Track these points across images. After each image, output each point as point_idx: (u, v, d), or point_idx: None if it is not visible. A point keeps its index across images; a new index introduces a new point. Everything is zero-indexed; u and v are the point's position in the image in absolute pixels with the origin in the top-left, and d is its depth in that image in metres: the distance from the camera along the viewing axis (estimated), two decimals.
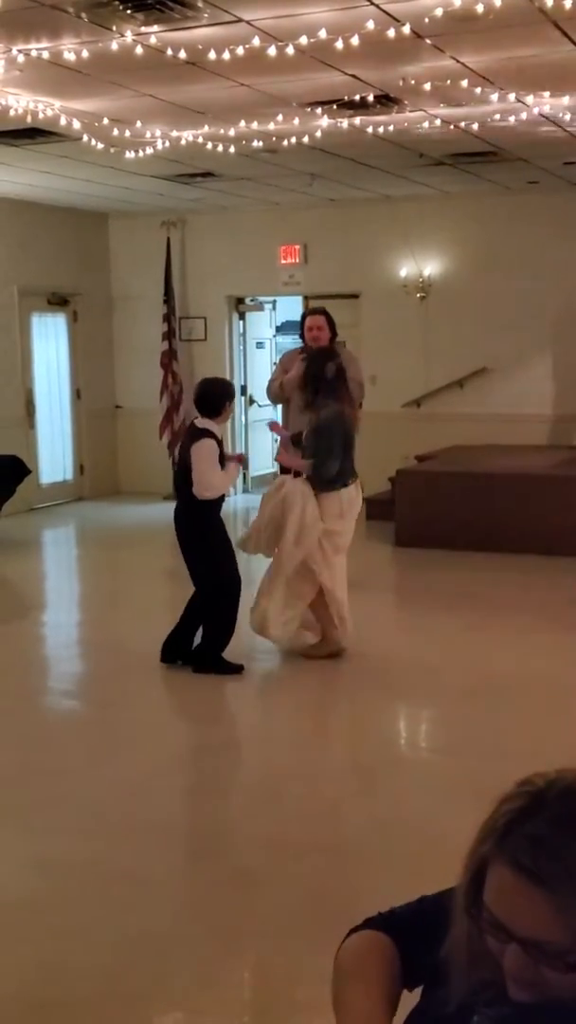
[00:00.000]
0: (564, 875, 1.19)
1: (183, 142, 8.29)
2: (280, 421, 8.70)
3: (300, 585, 6.41)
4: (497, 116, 7.56)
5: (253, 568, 7.05)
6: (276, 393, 8.30)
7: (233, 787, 5.01)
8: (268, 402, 13.51)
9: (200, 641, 6.41)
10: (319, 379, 6.42)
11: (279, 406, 9.38)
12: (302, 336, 8.21)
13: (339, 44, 5.62)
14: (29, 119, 7.33)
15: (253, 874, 4.06)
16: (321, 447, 6.31)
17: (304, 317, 8.39)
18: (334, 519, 6.40)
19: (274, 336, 14.06)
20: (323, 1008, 3.18)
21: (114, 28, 5.51)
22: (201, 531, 6.28)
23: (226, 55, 5.84)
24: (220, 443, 6.24)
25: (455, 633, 6.98)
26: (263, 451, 13.53)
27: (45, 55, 5.95)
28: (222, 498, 6.35)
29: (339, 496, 6.42)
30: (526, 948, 1.21)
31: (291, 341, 15.20)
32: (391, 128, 7.94)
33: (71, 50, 5.83)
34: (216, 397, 6.26)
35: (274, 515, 6.35)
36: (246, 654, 6.59)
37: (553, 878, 1.19)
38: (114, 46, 5.72)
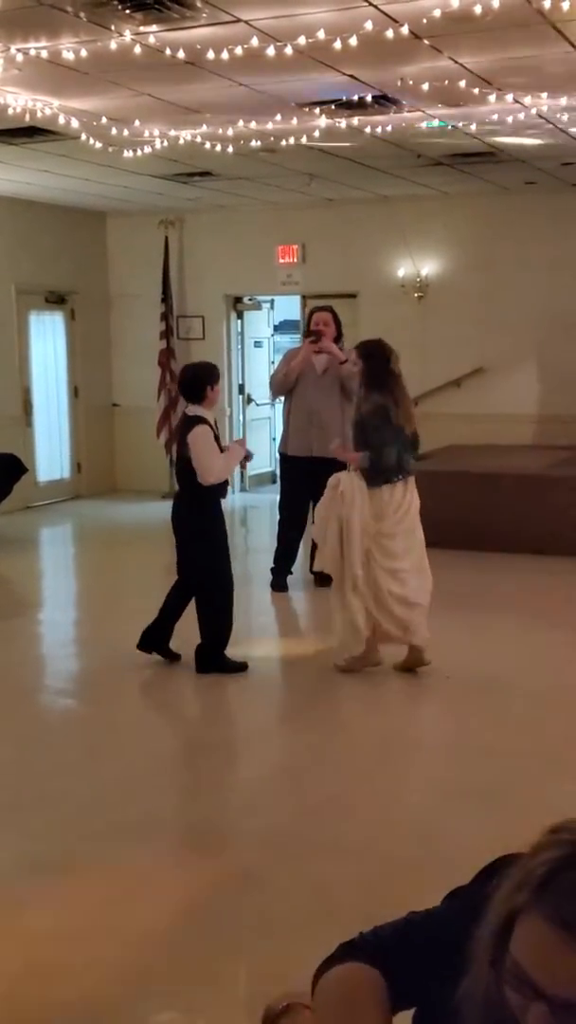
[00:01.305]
0: None
1: (181, 141, 8.30)
2: (283, 415, 8.81)
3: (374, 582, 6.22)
4: (495, 117, 7.57)
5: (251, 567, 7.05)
6: (280, 384, 8.37)
7: (231, 785, 5.01)
8: (266, 401, 13.60)
9: (201, 641, 6.41)
10: (380, 371, 6.20)
11: (276, 406, 9.45)
12: (307, 333, 8.33)
13: (337, 44, 5.63)
14: (28, 118, 7.33)
15: (251, 872, 4.06)
16: (373, 437, 6.08)
17: (310, 314, 8.52)
18: (385, 519, 6.16)
19: (272, 335, 14.07)
20: None
21: (113, 27, 5.52)
22: (202, 524, 6.28)
23: (225, 55, 5.85)
24: (214, 428, 6.25)
25: (453, 632, 6.99)
26: (261, 450, 13.52)
27: (44, 54, 5.95)
28: (224, 491, 6.34)
29: (383, 492, 6.15)
30: (554, 1008, 1.13)
31: (289, 340, 15.22)
32: (389, 128, 7.95)
33: (70, 49, 5.84)
34: (198, 380, 6.25)
35: (338, 514, 6.14)
36: (244, 653, 6.60)
37: None
38: (113, 45, 5.73)
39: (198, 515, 6.27)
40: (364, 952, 1.50)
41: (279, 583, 8.56)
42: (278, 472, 8.94)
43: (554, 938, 1.13)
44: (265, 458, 13.75)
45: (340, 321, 8.27)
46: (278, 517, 8.80)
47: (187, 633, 6.49)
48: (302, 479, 8.13)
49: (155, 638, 6.50)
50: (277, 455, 9.20)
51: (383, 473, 6.13)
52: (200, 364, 6.50)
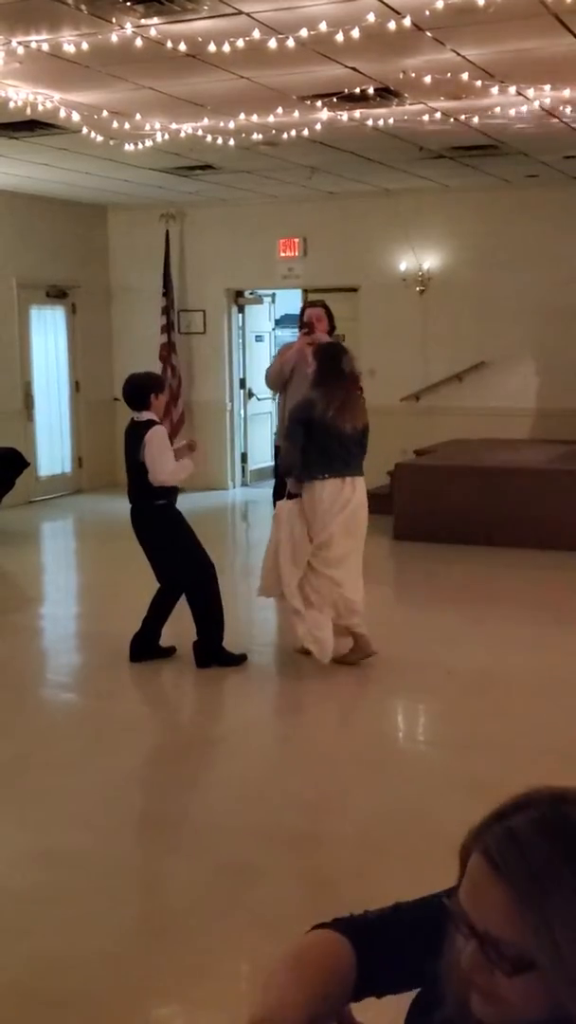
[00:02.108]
0: (528, 874, 1.18)
1: (182, 135, 8.28)
2: (278, 409, 8.91)
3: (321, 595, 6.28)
4: (498, 109, 7.55)
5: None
6: (276, 375, 8.46)
7: (231, 779, 5.01)
8: (267, 395, 13.58)
9: (197, 637, 6.42)
10: (325, 370, 6.28)
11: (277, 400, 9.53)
12: (300, 327, 8.42)
13: (339, 37, 5.61)
14: (28, 111, 7.32)
15: (251, 865, 4.06)
16: (285, 436, 6.28)
17: (303, 309, 8.63)
18: (315, 519, 6.22)
19: (273, 329, 14.05)
20: None
21: (113, 20, 5.50)
22: (164, 526, 6.30)
23: (226, 47, 5.83)
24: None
25: (454, 626, 6.99)
26: (262, 444, 13.54)
27: (45, 47, 5.93)
28: (176, 492, 6.36)
29: (313, 488, 6.19)
30: (483, 945, 1.19)
31: (290, 334, 15.18)
32: (391, 121, 7.93)
33: (71, 42, 5.82)
34: (143, 390, 6.26)
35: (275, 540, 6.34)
36: (244, 646, 6.60)
37: (517, 874, 1.19)
38: (114, 38, 5.71)
39: (160, 519, 6.29)
40: (343, 924, 1.56)
41: None
42: (275, 469, 8.95)
43: (484, 871, 1.21)
44: (266, 453, 13.74)
45: (332, 315, 8.37)
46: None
47: (182, 626, 6.50)
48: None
49: (144, 647, 6.52)
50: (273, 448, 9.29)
51: (304, 469, 6.17)
52: (143, 374, 6.50)
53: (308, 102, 7.29)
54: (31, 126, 7.98)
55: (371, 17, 5.35)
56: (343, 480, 6.22)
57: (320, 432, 6.12)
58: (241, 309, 13.38)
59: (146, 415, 6.24)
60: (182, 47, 5.91)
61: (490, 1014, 1.23)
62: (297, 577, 6.21)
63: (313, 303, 8.74)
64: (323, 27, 5.50)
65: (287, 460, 6.27)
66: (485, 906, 1.20)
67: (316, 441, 6.13)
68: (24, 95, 7.00)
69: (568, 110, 7.65)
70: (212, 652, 6.37)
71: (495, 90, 6.96)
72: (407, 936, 1.49)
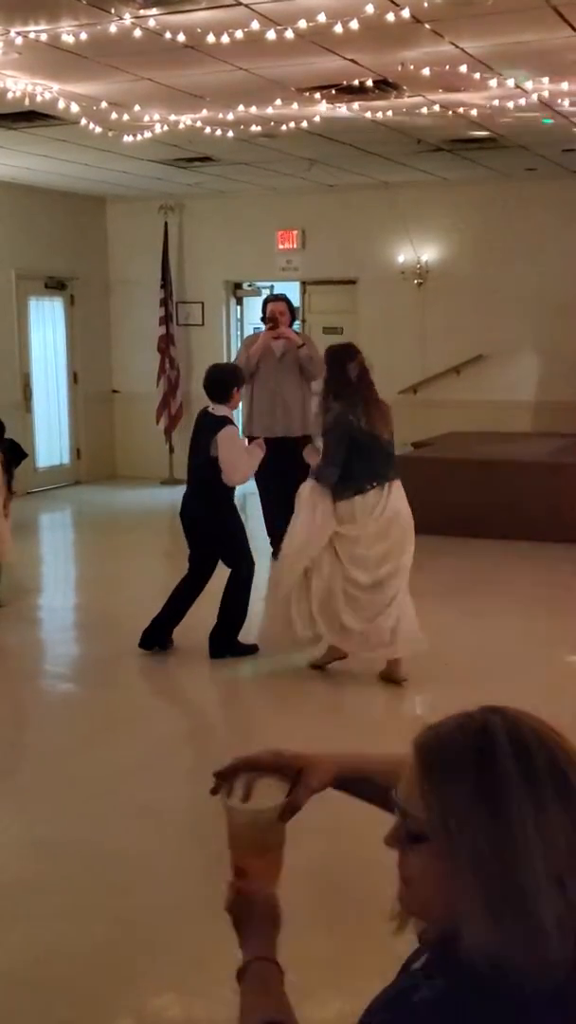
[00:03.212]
0: (439, 760, 1.32)
1: (181, 126, 8.27)
2: (243, 401, 8.92)
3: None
4: (496, 102, 7.54)
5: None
6: (243, 366, 8.35)
7: None
8: None
9: (218, 627, 6.44)
10: (337, 380, 5.93)
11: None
12: (264, 322, 8.92)
13: (338, 28, 5.61)
14: (27, 102, 7.30)
15: None
16: (327, 451, 5.86)
17: (266, 303, 9.08)
18: (354, 524, 5.89)
19: (261, 318, 14.02)
20: (318, 991, 3.22)
21: (112, 11, 5.49)
22: (225, 518, 6.39)
23: (225, 39, 5.82)
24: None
25: (453, 618, 7.00)
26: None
27: (43, 38, 5.93)
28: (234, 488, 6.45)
29: (353, 504, 5.86)
30: (401, 821, 1.34)
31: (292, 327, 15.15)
32: (390, 114, 7.93)
33: (69, 33, 5.82)
34: (226, 383, 6.33)
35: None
36: (243, 636, 6.61)
37: (430, 757, 1.33)
38: (112, 29, 5.70)
39: (220, 511, 6.35)
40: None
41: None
42: None
43: (411, 755, 1.35)
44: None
45: (293, 308, 9.00)
46: (260, 499, 9.21)
47: (184, 621, 6.52)
48: (270, 459, 8.29)
49: (159, 635, 6.52)
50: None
51: (335, 491, 5.86)
52: (231, 366, 6.59)
53: (307, 94, 7.29)
54: (30, 117, 7.97)
55: (370, 8, 5.34)
56: (381, 489, 5.91)
57: (366, 444, 5.83)
58: (239, 301, 13.37)
59: (222, 410, 6.27)
60: (181, 38, 5.90)
61: (405, 899, 1.36)
62: (301, 567, 5.97)
63: (275, 297, 9.16)
64: (322, 18, 5.50)
65: (328, 479, 5.85)
66: (407, 785, 1.34)
67: (361, 454, 5.82)
68: (23, 86, 6.99)
69: (566, 103, 7.65)
70: (228, 643, 6.44)
71: (493, 83, 6.96)
72: None
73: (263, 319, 8.95)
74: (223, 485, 6.26)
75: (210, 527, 6.41)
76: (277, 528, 8.89)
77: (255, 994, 1.64)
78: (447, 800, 1.28)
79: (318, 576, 5.94)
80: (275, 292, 9.50)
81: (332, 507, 5.90)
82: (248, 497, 12.36)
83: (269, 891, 1.72)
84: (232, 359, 13.16)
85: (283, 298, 9.08)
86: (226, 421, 6.24)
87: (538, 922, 1.19)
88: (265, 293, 13.67)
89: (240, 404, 6.57)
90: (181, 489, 6.71)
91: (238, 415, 7.14)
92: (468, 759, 1.30)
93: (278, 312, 8.75)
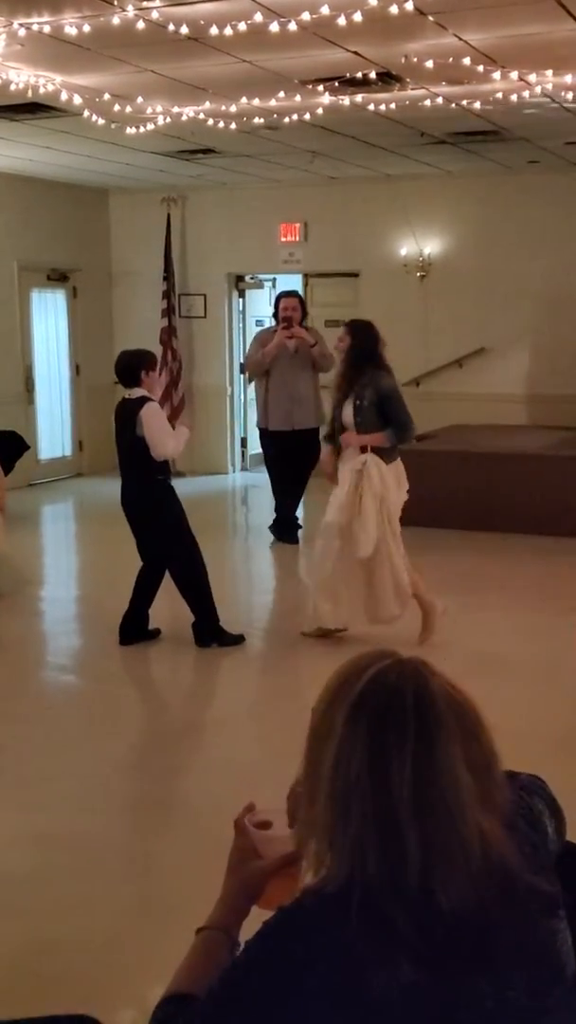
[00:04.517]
0: (315, 731, 1.52)
1: (184, 118, 8.26)
2: (257, 395, 9.59)
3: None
4: (499, 95, 7.53)
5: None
6: (256, 365, 9.18)
7: (229, 762, 5.04)
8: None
9: (194, 619, 6.45)
10: (370, 352, 6.40)
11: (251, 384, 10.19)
12: (275, 316, 9.23)
13: (342, 20, 5.60)
14: (30, 94, 7.30)
15: None
16: (402, 411, 6.30)
17: (279, 299, 9.31)
18: (400, 489, 6.41)
19: (273, 314, 14.00)
20: None
21: (115, 3, 5.49)
22: (159, 500, 6.32)
23: (228, 31, 5.81)
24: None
25: (453, 611, 7.00)
26: None
27: (46, 29, 5.92)
28: (169, 468, 6.40)
29: (399, 465, 6.41)
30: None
31: None
32: (393, 106, 7.92)
33: (72, 24, 5.81)
34: (133, 368, 6.27)
35: (374, 495, 6.23)
36: (243, 629, 6.63)
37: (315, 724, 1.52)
38: (115, 21, 5.69)
39: (153, 492, 6.30)
40: None
41: (287, 538, 9.29)
42: (261, 446, 9.70)
43: None
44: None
45: (305, 303, 9.38)
46: (271, 487, 9.51)
47: (179, 609, 6.53)
48: (287, 450, 9.08)
49: (133, 629, 6.54)
50: (257, 429, 9.80)
51: (394, 448, 6.33)
52: (134, 351, 6.52)
53: (310, 86, 7.28)
54: (32, 109, 7.97)
55: (373, 0, 5.34)
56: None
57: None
58: (242, 293, 13.36)
59: (138, 392, 6.24)
60: (184, 30, 5.90)
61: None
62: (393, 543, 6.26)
63: (287, 293, 9.38)
64: (325, 10, 5.49)
65: (415, 431, 6.54)
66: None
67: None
68: (26, 78, 6.99)
69: (570, 96, 7.64)
70: (211, 630, 6.41)
71: (497, 75, 6.95)
72: None
73: (275, 315, 9.21)
74: (155, 465, 6.20)
75: (145, 513, 6.36)
76: (287, 516, 9.37)
77: (191, 961, 1.74)
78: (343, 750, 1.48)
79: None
80: (287, 289, 9.72)
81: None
82: (250, 490, 12.42)
83: (268, 873, 1.76)
84: (234, 351, 13.21)
85: (295, 294, 9.33)
86: (145, 399, 6.20)
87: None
88: (268, 286, 13.70)
89: (156, 388, 6.54)
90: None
91: (247, 404, 7.17)
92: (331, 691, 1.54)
93: (291, 308, 9.05)
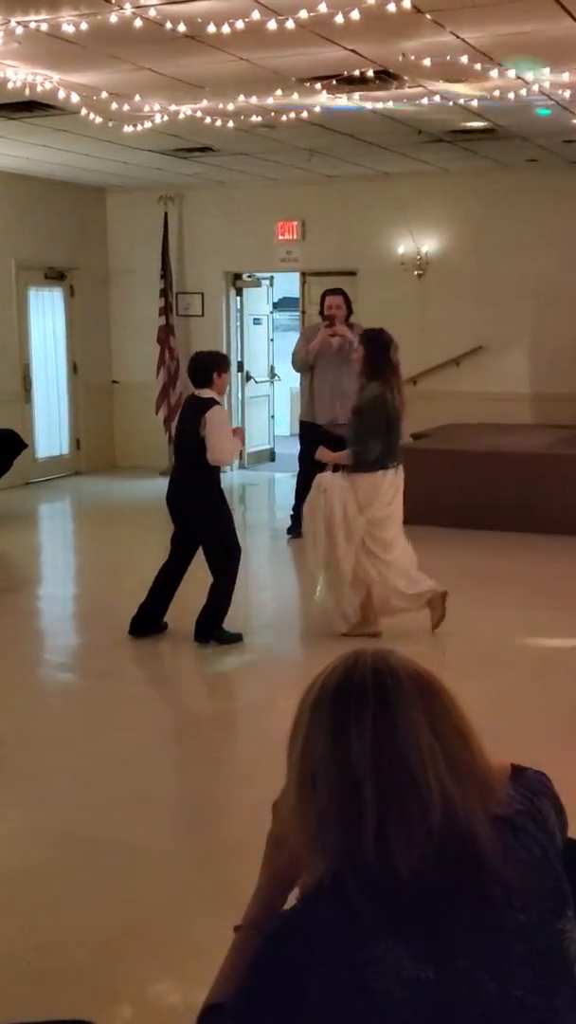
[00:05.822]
0: (289, 736, 1.63)
1: (181, 116, 8.26)
2: (301, 390, 9.60)
3: (362, 576, 6.43)
4: (496, 93, 7.54)
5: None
6: (301, 362, 9.25)
7: (229, 758, 5.04)
8: (265, 379, 13.64)
9: (204, 612, 6.46)
10: (374, 369, 6.38)
11: (275, 385, 10.07)
12: (321, 314, 9.27)
13: (339, 18, 5.60)
14: (27, 92, 7.30)
15: (248, 843, 4.04)
16: (363, 428, 6.29)
17: (323, 296, 9.34)
18: (374, 505, 6.37)
19: (271, 312, 14.03)
20: None
21: (113, 0, 5.49)
22: (211, 498, 6.40)
23: (226, 28, 5.81)
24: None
25: (452, 609, 7.00)
26: (259, 427, 13.56)
27: (44, 27, 5.92)
28: (219, 468, 6.48)
29: (377, 478, 6.36)
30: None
31: (288, 317, 15.18)
32: (390, 104, 7.92)
33: (70, 22, 5.81)
34: (208, 368, 6.37)
35: (326, 516, 6.36)
36: (242, 627, 6.63)
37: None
38: (113, 19, 5.69)
39: (207, 490, 6.37)
40: None
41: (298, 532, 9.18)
42: (299, 438, 9.72)
43: None
44: (264, 436, 13.75)
45: (350, 301, 9.25)
46: (297, 476, 9.46)
47: (179, 607, 6.53)
48: (328, 443, 9.07)
49: (148, 622, 6.54)
50: (299, 422, 9.84)
51: (375, 461, 6.30)
52: (209, 352, 6.70)
53: (307, 84, 7.28)
54: (30, 107, 7.97)
55: None
56: (397, 470, 6.48)
57: (393, 424, 6.35)
58: (239, 292, 13.36)
59: (207, 392, 6.34)
60: (181, 28, 5.90)
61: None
62: (353, 556, 6.34)
63: (332, 291, 9.33)
64: (323, 8, 5.48)
65: (372, 453, 6.28)
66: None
67: (389, 433, 6.33)
68: (23, 76, 6.98)
69: (567, 94, 7.64)
70: (213, 627, 6.43)
71: (494, 73, 6.95)
72: None
73: (321, 312, 9.25)
74: (209, 467, 6.28)
75: (195, 510, 6.41)
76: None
77: (228, 964, 1.74)
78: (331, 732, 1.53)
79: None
80: (332, 287, 9.67)
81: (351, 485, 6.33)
82: (248, 488, 12.43)
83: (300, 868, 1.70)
84: (232, 350, 13.20)
85: (340, 292, 9.29)
86: (213, 402, 6.29)
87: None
88: (265, 284, 13.71)
89: (225, 389, 6.67)
90: None
91: (298, 402, 7.26)
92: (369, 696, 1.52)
93: (335, 307, 9.08)
